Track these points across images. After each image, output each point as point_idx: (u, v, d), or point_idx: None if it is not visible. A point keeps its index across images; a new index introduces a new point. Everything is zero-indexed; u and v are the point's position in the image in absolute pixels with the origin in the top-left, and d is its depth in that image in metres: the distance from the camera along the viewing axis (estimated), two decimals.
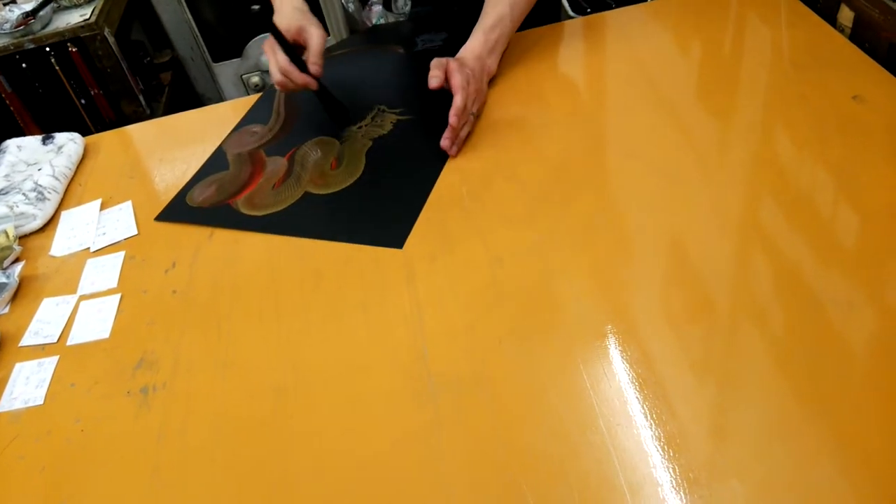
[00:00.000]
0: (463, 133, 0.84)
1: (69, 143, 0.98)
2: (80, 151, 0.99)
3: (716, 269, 0.64)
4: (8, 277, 0.79)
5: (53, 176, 0.92)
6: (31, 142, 0.98)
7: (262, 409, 0.61)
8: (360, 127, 0.91)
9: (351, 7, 1.13)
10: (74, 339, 0.72)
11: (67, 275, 0.80)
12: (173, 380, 0.65)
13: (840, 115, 0.77)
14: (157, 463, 0.59)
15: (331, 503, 0.54)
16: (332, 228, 0.78)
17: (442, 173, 0.81)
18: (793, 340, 0.57)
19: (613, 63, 0.94)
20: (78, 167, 0.97)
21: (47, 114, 1.80)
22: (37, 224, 0.87)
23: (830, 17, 0.93)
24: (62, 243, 0.85)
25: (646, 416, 0.54)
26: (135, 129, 1.07)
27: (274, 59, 0.85)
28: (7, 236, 0.84)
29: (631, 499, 0.49)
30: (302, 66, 0.83)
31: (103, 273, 0.79)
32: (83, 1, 1.77)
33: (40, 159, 0.97)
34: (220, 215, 0.83)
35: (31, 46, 1.68)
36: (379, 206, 0.79)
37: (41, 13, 1.69)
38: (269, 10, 0.88)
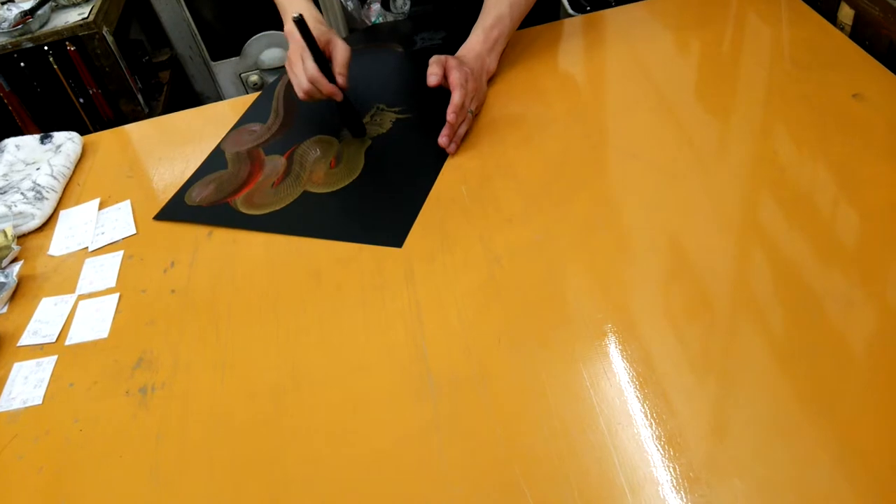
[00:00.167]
0: (461, 131, 0.84)
1: (67, 142, 0.98)
2: (79, 151, 0.98)
3: (716, 267, 0.64)
4: (6, 277, 0.79)
5: (52, 175, 0.92)
6: (30, 141, 0.98)
7: (261, 408, 0.61)
8: (359, 114, 0.91)
9: (350, 5, 1.13)
10: (73, 338, 0.72)
11: (66, 274, 0.80)
12: (172, 379, 0.65)
13: (840, 114, 0.77)
14: (155, 463, 0.59)
15: (330, 503, 0.54)
16: (331, 227, 0.77)
17: (441, 172, 0.81)
18: (793, 339, 0.57)
19: (613, 61, 0.94)
20: (76, 166, 0.97)
21: (45, 113, 1.80)
22: (35, 223, 0.87)
23: (831, 15, 0.92)
24: (61, 243, 0.85)
25: (646, 416, 0.54)
26: (133, 129, 1.07)
27: (301, 66, 0.83)
28: (5, 236, 0.83)
29: (632, 498, 0.49)
30: (329, 77, 0.83)
31: (102, 272, 0.79)
32: (81, 0, 1.76)
33: (39, 158, 0.96)
34: (219, 214, 0.83)
35: (30, 45, 1.68)
36: (378, 205, 0.79)
37: (39, 12, 1.68)
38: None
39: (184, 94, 2.24)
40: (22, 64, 1.71)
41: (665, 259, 0.66)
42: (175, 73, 2.19)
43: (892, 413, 0.51)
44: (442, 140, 0.82)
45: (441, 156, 0.83)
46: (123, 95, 1.83)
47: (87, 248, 0.83)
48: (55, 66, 1.72)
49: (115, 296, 0.75)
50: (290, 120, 0.96)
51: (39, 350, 0.72)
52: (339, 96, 0.83)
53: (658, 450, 0.51)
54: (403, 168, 0.84)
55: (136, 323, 0.72)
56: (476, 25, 0.91)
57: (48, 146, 0.98)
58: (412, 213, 0.76)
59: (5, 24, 1.66)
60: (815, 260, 0.63)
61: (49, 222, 0.89)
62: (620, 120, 0.84)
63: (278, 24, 0.94)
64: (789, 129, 0.77)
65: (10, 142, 0.98)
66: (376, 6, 1.09)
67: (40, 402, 0.66)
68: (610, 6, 1.08)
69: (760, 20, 0.95)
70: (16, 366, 0.70)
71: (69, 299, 0.76)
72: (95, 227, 0.86)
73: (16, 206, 0.87)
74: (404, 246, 0.73)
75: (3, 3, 1.73)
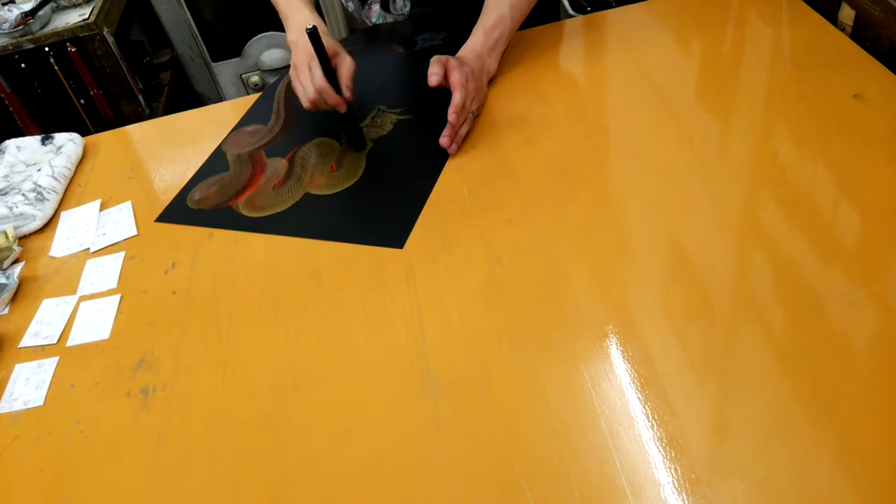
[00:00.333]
0: (462, 131, 0.84)
1: (68, 143, 0.98)
2: (80, 152, 0.99)
3: (717, 268, 0.64)
4: (7, 278, 0.79)
5: (53, 176, 0.92)
6: (31, 142, 0.98)
7: (262, 409, 0.61)
8: (361, 127, 0.91)
9: (350, 6, 1.13)
10: (74, 339, 0.72)
11: (67, 275, 0.80)
12: (173, 380, 0.65)
13: (841, 114, 0.77)
14: (157, 464, 0.59)
15: (330, 503, 0.54)
16: (332, 229, 0.77)
17: (442, 173, 0.81)
18: (794, 339, 0.57)
19: (614, 62, 0.94)
20: (77, 167, 0.97)
21: (46, 114, 1.80)
22: (36, 225, 0.87)
23: (831, 16, 0.92)
24: (62, 244, 0.85)
25: (647, 417, 0.54)
26: (134, 130, 1.07)
27: (309, 76, 0.83)
28: (7, 237, 0.83)
29: (633, 499, 0.49)
30: (335, 88, 0.83)
31: (103, 274, 0.79)
32: (82, 1, 1.76)
33: (40, 160, 0.96)
34: (221, 217, 0.83)
35: (30, 46, 1.68)
36: (379, 207, 0.79)
37: (40, 13, 1.68)
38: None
39: (184, 94, 2.24)
40: (23, 65, 1.71)
41: (666, 259, 0.66)
42: (176, 73, 2.19)
43: (893, 413, 0.51)
44: (443, 141, 0.82)
45: (442, 157, 0.83)
46: (124, 96, 1.83)
47: (88, 249, 0.83)
48: (56, 67, 1.72)
49: (117, 297, 0.75)
50: (292, 122, 0.96)
51: (41, 351, 0.72)
52: (343, 108, 0.83)
53: (659, 451, 0.51)
54: (404, 169, 0.84)
55: (138, 324, 0.72)
56: (477, 26, 0.91)
57: (49, 147, 0.98)
58: (413, 215, 0.76)
59: (6, 25, 1.66)
60: (815, 260, 0.63)
61: (50, 223, 0.89)
62: (621, 120, 0.84)
63: (279, 25, 0.94)
64: (790, 130, 0.77)
65: (11, 143, 0.98)
66: (376, 7, 1.09)
67: (42, 403, 0.66)
68: (610, 7, 1.08)
69: (761, 20, 0.95)
70: (17, 367, 0.70)
71: (70, 300, 0.76)
72: (96, 229, 0.86)
73: (17, 207, 0.87)
74: (405, 247, 0.73)
75: (3, 4, 1.73)
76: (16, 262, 0.83)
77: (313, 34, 0.78)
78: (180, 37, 2.22)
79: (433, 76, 0.83)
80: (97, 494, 0.58)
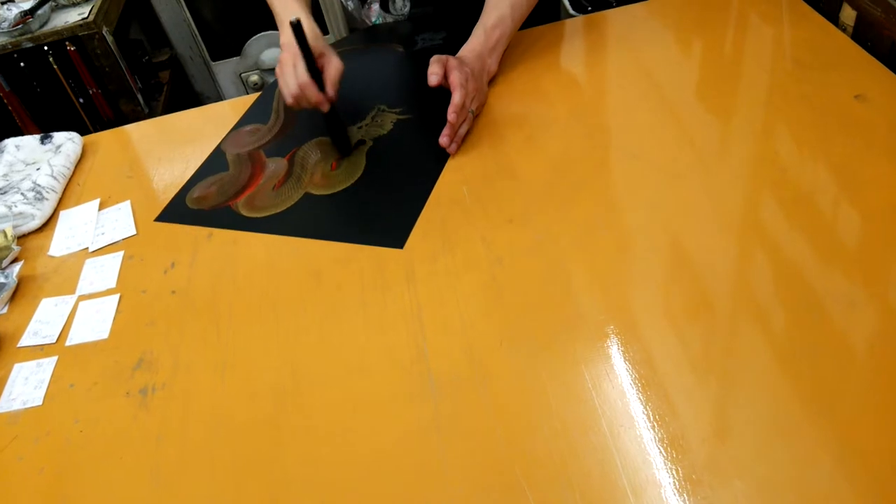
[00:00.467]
0: (462, 131, 0.84)
1: (67, 142, 0.98)
2: (79, 151, 0.98)
3: (717, 268, 0.64)
4: (6, 277, 0.79)
5: (52, 175, 0.92)
6: (30, 141, 0.98)
7: (261, 409, 0.61)
8: (360, 127, 0.91)
9: (350, 5, 1.12)
10: (73, 339, 0.72)
11: (66, 275, 0.80)
12: (172, 380, 0.65)
13: (842, 115, 0.77)
14: (156, 463, 0.59)
15: (330, 503, 0.54)
16: (332, 229, 0.77)
17: (442, 173, 0.81)
18: (795, 340, 0.57)
19: (615, 62, 0.94)
20: (76, 167, 0.97)
21: (45, 113, 1.80)
22: (35, 224, 0.87)
23: (832, 16, 0.92)
24: (61, 243, 0.85)
25: (648, 417, 0.54)
26: (133, 129, 1.06)
27: (293, 72, 0.82)
28: (5, 236, 0.83)
29: (634, 500, 0.49)
30: (319, 86, 0.82)
31: (102, 273, 0.79)
32: (81, 0, 1.76)
33: (39, 159, 0.96)
34: (220, 217, 0.83)
35: (30, 45, 1.68)
36: (379, 207, 0.79)
37: (39, 12, 1.68)
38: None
39: (184, 94, 2.24)
40: (22, 64, 1.70)
41: (666, 259, 0.66)
42: (175, 73, 2.18)
43: (893, 413, 0.51)
44: (443, 140, 0.82)
45: (442, 156, 0.83)
46: (123, 95, 1.82)
47: (87, 248, 0.83)
48: (55, 66, 1.72)
49: (116, 296, 0.75)
50: (292, 121, 0.96)
51: (40, 351, 0.71)
52: (325, 107, 0.83)
53: (660, 452, 0.51)
54: (404, 169, 0.83)
55: (137, 324, 0.72)
56: (477, 26, 0.91)
57: (48, 146, 0.97)
58: (413, 214, 0.76)
59: (5, 24, 1.66)
60: (816, 261, 0.63)
61: (49, 223, 0.89)
62: (622, 120, 0.84)
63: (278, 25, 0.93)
64: (791, 130, 0.77)
65: (10, 142, 0.98)
66: (376, 7, 1.09)
67: (40, 402, 0.66)
68: (611, 6, 1.08)
69: (762, 21, 0.95)
70: (16, 366, 0.70)
71: (69, 300, 0.76)
72: (95, 228, 0.85)
73: (16, 206, 0.86)
74: (405, 247, 0.73)
75: (2, 3, 1.72)
76: (15, 261, 0.83)
77: (297, 27, 0.78)
78: (179, 36, 2.22)
79: (433, 76, 0.83)
80: (96, 494, 0.58)
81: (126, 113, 1.85)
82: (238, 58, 2.13)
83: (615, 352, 0.59)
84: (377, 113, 0.93)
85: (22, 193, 0.88)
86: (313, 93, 0.81)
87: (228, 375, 0.64)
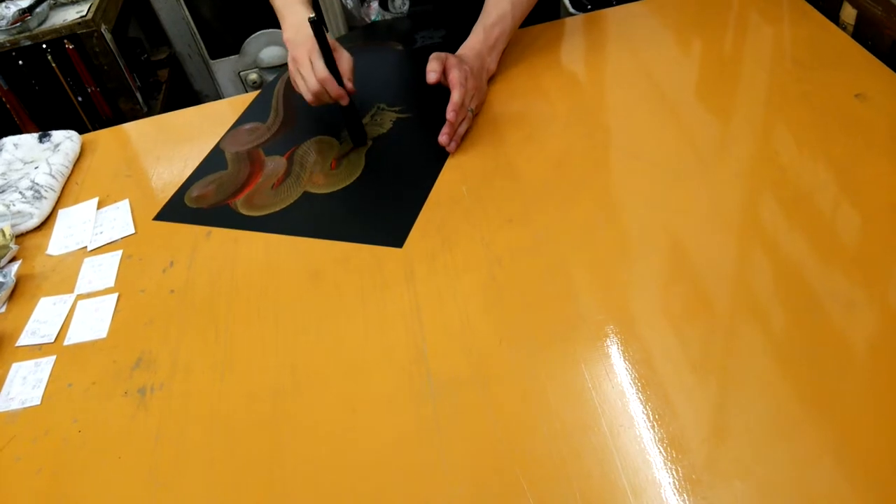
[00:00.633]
0: (461, 129, 0.84)
1: (66, 141, 0.98)
2: (77, 149, 0.98)
3: (718, 268, 0.64)
4: (4, 277, 0.78)
5: (50, 174, 0.91)
6: (28, 140, 0.98)
7: (260, 409, 0.61)
8: (362, 122, 0.90)
9: (349, 3, 1.12)
10: (71, 338, 0.71)
11: (64, 274, 0.80)
12: (171, 380, 0.65)
13: (842, 114, 0.77)
14: (154, 463, 0.58)
15: (329, 503, 0.53)
16: (331, 228, 0.77)
17: (442, 171, 0.81)
18: (794, 340, 0.57)
19: (614, 61, 0.94)
20: (75, 165, 0.97)
21: (44, 111, 1.79)
22: (34, 223, 0.87)
23: (833, 15, 0.92)
24: (59, 242, 0.85)
25: (648, 417, 0.53)
26: (132, 127, 1.06)
27: (310, 68, 0.82)
28: (4, 235, 0.83)
29: (634, 500, 0.49)
30: (338, 80, 0.82)
31: (100, 272, 0.79)
32: None
33: (37, 157, 0.96)
34: (219, 216, 0.82)
35: (28, 43, 1.67)
36: (378, 206, 0.79)
37: (38, 10, 1.68)
38: (320, 19, 0.83)
39: (182, 92, 2.24)
40: (20, 62, 1.70)
41: (666, 259, 0.66)
42: (174, 71, 2.18)
43: (893, 413, 0.51)
44: (442, 139, 0.82)
45: (441, 155, 0.83)
46: (122, 94, 1.82)
47: (85, 247, 0.83)
48: (53, 65, 1.71)
49: (114, 296, 0.75)
50: (291, 120, 0.95)
51: (38, 350, 0.71)
52: (346, 100, 0.83)
53: (660, 452, 0.51)
54: (404, 168, 0.83)
55: (135, 323, 0.72)
56: (477, 24, 0.91)
57: (46, 145, 0.97)
58: (412, 214, 0.76)
59: (3, 22, 1.65)
60: (816, 260, 0.62)
61: (47, 221, 0.88)
62: (621, 119, 0.84)
63: (277, 23, 0.93)
64: (791, 129, 0.77)
65: (9, 140, 0.98)
66: (375, 4, 1.09)
67: (39, 402, 0.66)
68: (611, 5, 1.08)
69: (762, 19, 0.95)
70: (14, 366, 0.70)
71: (68, 299, 0.76)
72: (94, 227, 0.85)
73: (14, 205, 0.86)
74: (404, 246, 0.72)
75: (1, 1, 1.72)
76: (13, 260, 0.82)
77: (315, 23, 0.78)
78: (178, 34, 2.22)
79: (432, 73, 0.82)
80: (94, 494, 0.58)
81: (125, 111, 1.84)
82: (237, 56, 2.12)
83: (615, 351, 0.59)
84: (376, 111, 0.92)
85: (20, 192, 0.88)
86: (334, 87, 0.81)
87: (227, 375, 0.64)
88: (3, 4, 1.70)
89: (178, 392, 0.64)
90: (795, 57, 0.87)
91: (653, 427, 0.53)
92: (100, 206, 0.88)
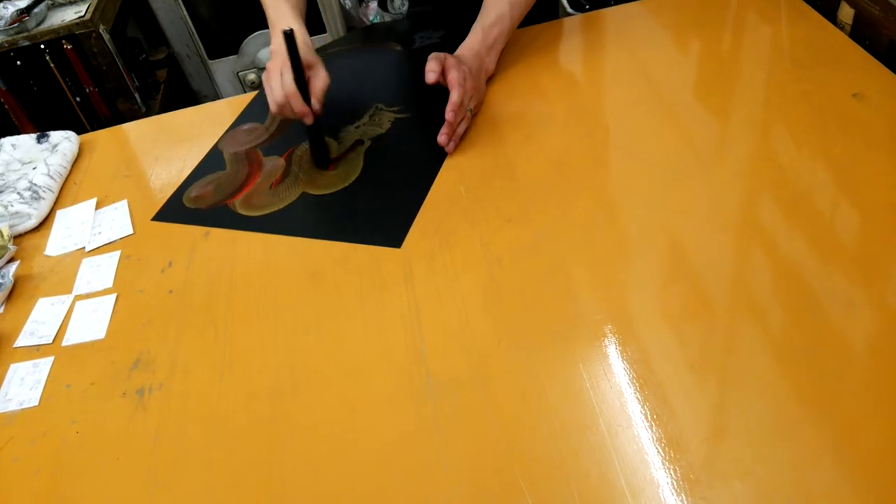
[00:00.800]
0: (460, 130, 0.84)
1: (64, 141, 0.97)
2: (75, 150, 0.98)
3: (716, 268, 0.64)
4: (3, 277, 0.78)
5: (48, 175, 0.91)
6: (26, 140, 0.98)
7: (259, 409, 0.61)
8: (358, 126, 0.90)
9: (348, 4, 1.12)
10: (70, 339, 0.71)
11: (63, 274, 0.80)
12: (170, 381, 0.65)
13: (840, 113, 0.77)
14: (153, 464, 0.58)
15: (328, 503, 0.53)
16: (330, 228, 0.77)
17: (441, 172, 0.81)
18: (793, 340, 0.57)
19: (613, 60, 0.94)
20: (73, 166, 0.97)
21: (42, 112, 1.79)
22: (32, 223, 0.87)
23: (831, 15, 0.92)
24: (57, 243, 0.84)
25: (646, 417, 0.53)
26: (130, 128, 1.06)
27: (280, 81, 0.81)
28: (2, 236, 0.83)
29: (632, 500, 0.49)
30: (305, 98, 0.82)
31: (99, 273, 0.79)
32: None
33: (35, 158, 0.96)
34: (218, 216, 0.82)
35: (26, 44, 1.67)
36: (377, 206, 0.79)
37: (36, 10, 1.67)
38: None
39: (181, 92, 2.24)
40: (18, 62, 1.70)
41: (665, 259, 0.66)
42: (172, 71, 2.18)
43: (892, 413, 0.51)
44: (441, 139, 0.82)
45: (440, 155, 0.83)
46: (120, 94, 1.82)
47: (83, 248, 0.83)
48: (52, 65, 1.71)
49: (113, 296, 0.75)
50: (289, 120, 0.95)
51: (36, 351, 0.71)
52: (309, 119, 0.82)
53: (658, 452, 0.51)
54: (402, 168, 0.83)
55: (134, 323, 0.72)
56: (475, 24, 0.91)
57: (45, 145, 0.97)
58: (411, 214, 0.76)
59: (1, 23, 1.65)
60: (815, 260, 0.62)
61: (46, 222, 0.88)
62: (620, 119, 0.84)
63: None
64: (789, 129, 0.77)
65: (7, 141, 0.97)
66: (374, 5, 1.09)
67: (37, 403, 0.66)
68: (609, 5, 1.08)
69: (760, 19, 0.95)
70: (12, 367, 0.70)
71: (66, 300, 0.76)
72: (92, 227, 0.85)
73: (12, 205, 0.86)
74: (403, 246, 0.72)
75: None
76: (11, 260, 0.82)
77: (289, 37, 0.78)
78: (177, 34, 2.21)
79: (430, 73, 0.82)
80: (93, 495, 0.57)
81: (123, 111, 1.84)
82: (235, 56, 2.12)
83: (613, 351, 0.59)
84: (375, 112, 0.92)
85: (18, 193, 0.88)
86: (298, 104, 0.80)
87: (226, 375, 0.64)
88: (1, 5, 1.70)
89: (176, 392, 0.64)
90: (793, 57, 0.87)
91: (651, 427, 0.53)
92: (98, 206, 0.88)
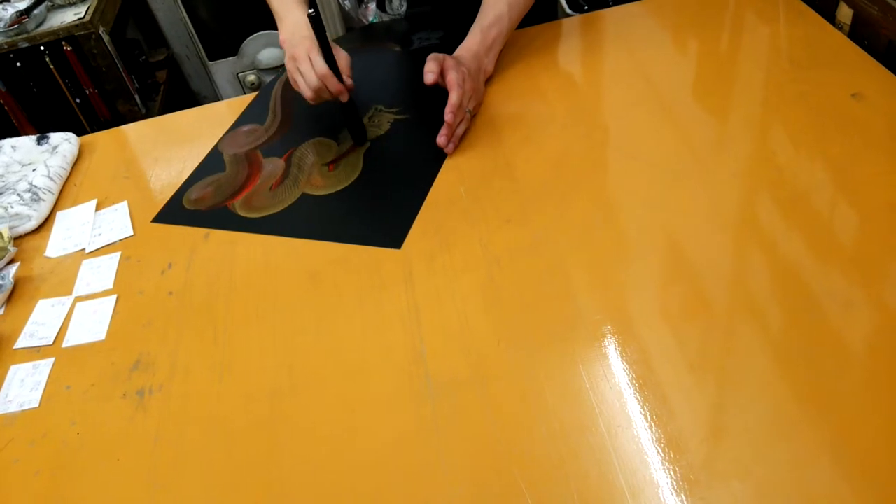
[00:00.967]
0: (459, 130, 0.84)
1: (64, 142, 0.98)
2: (75, 151, 0.98)
3: (715, 268, 0.64)
4: (3, 279, 0.78)
5: (48, 176, 0.91)
6: (26, 142, 0.98)
7: (259, 410, 0.61)
8: (362, 120, 0.90)
9: (347, 4, 1.12)
10: (70, 340, 0.71)
11: (63, 276, 0.80)
12: (170, 382, 0.65)
13: (839, 113, 0.77)
14: (153, 465, 0.58)
15: None
16: (329, 229, 0.77)
17: (440, 172, 0.81)
18: (792, 340, 0.57)
19: (612, 61, 0.94)
20: (73, 167, 0.97)
21: (42, 113, 1.79)
22: (32, 225, 0.87)
23: (829, 15, 0.92)
24: (57, 244, 0.85)
25: (646, 418, 0.54)
26: (130, 129, 1.06)
27: (310, 65, 0.81)
28: (2, 237, 0.83)
29: (631, 500, 0.49)
30: (337, 77, 0.82)
31: (99, 274, 0.79)
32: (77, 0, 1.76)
33: (35, 159, 0.96)
34: (218, 218, 0.82)
35: (26, 45, 1.67)
36: (377, 207, 0.79)
37: (35, 12, 1.68)
38: (317, 16, 0.82)
39: (181, 93, 2.24)
40: (18, 64, 1.70)
41: (664, 260, 0.66)
42: (172, 72, 2.18)
43: (892, 413, 0.51)
44: (440, 140, 0.82)
45: (439, 156, 0.83)
46: (120, 95, 1.82)
47: (84, 249, 0.83)
48: (51, 66, 1.71)
49: (113, 297, 0.75)
50: (288, 121, 0.95)
51: (36, 352, 0.71)
52: (346, 96, 0.83)
53: (658, 452, 0.51)
54: (402, 169, 0.83)
55: (134, 325, 0.72)
56: (474, 25, 0.91)
57: (44, 147, 0.97)
58: (411, 215, 0.76)
59: (1, 24, 1.65)
60: (813, 260, 0.63)
61: (46, 224, 0.88)
62: (619, 119, 0.84)
63: (275, 24, 0.93)
64: (788, 129, 0.77)
65: (6, 142, 0.98)
66: (373, 6, 1.09)
67: (37, 405, 0.66)
68: (608, 6, 1.08)
69: (759, 19, 0.95)
70: (12, 368, 0.70)
71: (66, 301, 0.76)
72: (92, 229, 0.85)
73: (12, 207, 0.86)
74: (403, 247, 0.72)
75: None
76: (11, 262, 0.82)
77: (315, 19, 0.77)
78: (176, 35, 2.22)
79: (429, 74, 0.82)
80: (93, 496, 0.58)
81: (123, 113, 1.84)
82: (235, 57, 2.12)
83: (613, 352, 0.59)
84: (374, 113, 0.92)
85: (18, 194, 0.88)
86: (334, 83, 0.81)
87: (226, 376, 0.64)
88: (1, 6, 1.70)
89: (176, 393, 0.64)
90: (792, 57, 0.87)
91: (650, 427, 0.53)
92: (98, 207, 0.88)
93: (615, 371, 0.57)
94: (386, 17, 1.09)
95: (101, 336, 0.71)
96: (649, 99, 0.85)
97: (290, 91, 0.92)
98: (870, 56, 0.84)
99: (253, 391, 0.62)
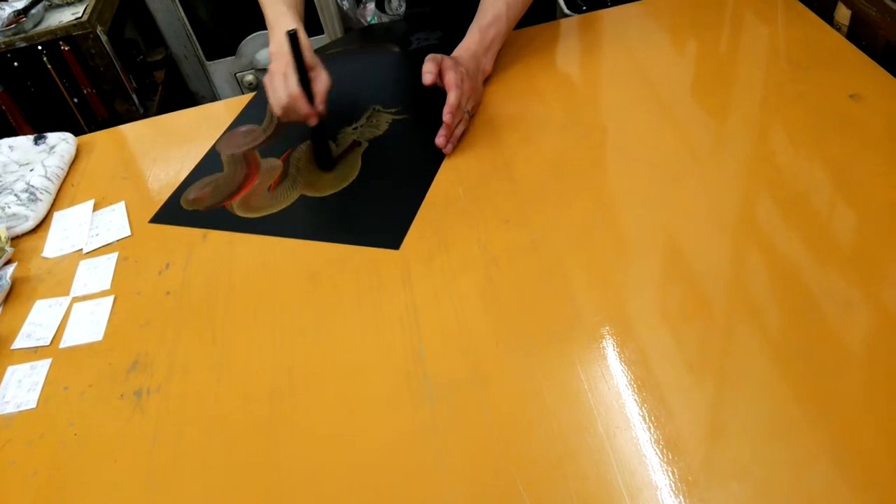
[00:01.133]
0: (457, 131, 0.84)
1: (61, 142, 0.97)
2: (73, 151, 0.98)
3: (714, 269, 0.64)
4: (0, 279, 0.78)
5: (46, 176, 0.91)
6: (23, 142, 0.97)
7: (257, 411, 0.61)
8: (356, 128, 0.90)
9: (346, 5, 1.12)
10: (67, 341, 0.71)
11: (60, 276, 0.80)
12: (167, 382, 0.65)
13: (837, 114, 0.77)
14: (151, 467, 0.58)
15: None
16: (328, 230, 0.77)
17: (438, 173, 0.81)
18: (791, 340, 0.57)
19: (610, 61, 0.94)
20: (70, 167, 0.96)
21: (39, 113, 1.79)
22: (29, 225, 0.87)
23: (827, 16, 0.92)
24: (55, 244, 0.84)
25: (644, 419, 0.53)
26: (128, 129, 1.06)
27: (284, 83, 0.80)
28: None
29: (630, 502, 0.49)
30: (308, 99, 0.81)
31: (96, 274, 0.78)
32: None
33: (32, 159, 0.96)
34: (215, 218, 0.82)
35: (23, 45, 1.67)
36: (375, 208, 0.79)
37: (33, 11, 1.67)
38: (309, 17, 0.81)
39: (179, 93, 2.23)
40: (15, 64, 1.70)
41: (662, 260, 0.66)
42: (170, 72, 2.18)
43: (890, 413, 0.51)
44: (439, 141, 0.82)
45: (438, 156, 0.83)
46: (118, 95, 1.82)
47: (81, 249, 0.83)
48: (49, 66, 1.71)
49: (110, 298, 0.75)
50: (288, 122, 0.95)
51: (33, 353, 0.71)
52: (314, 120, 0.82)
53: (656, 453, 0.51)
54: (400, 170, 0.83)
55: (131, 325, 0.71)
56: (472, 25, 0.91)
57: (42, 147, 0.97)
58: (409, 215, 0.76)
59: None
60: (812, 260, 0.63)
61: (43, 224, 0.88)
62: (618, 120, 0.84)
63: None
64: (786, 130, 0.77)
65: (4, 142, 0.97)
66: (372, 6, 1.09)
67: (34, 405, 0.66)
68: (606, 6, 1.08)
69: (757, 20, 0.95)
70: (9, 369, 0.70)
71: (63, 301, 0.76)
72: (90, 229, 0.85)
73: (9, 207, 0.86)
74: (401, 248, 0.72)
75: None
76: (8, 262, 0.82)
77: (293, 37, 0.77)
78: (174, 35, 2.21)
79: (427, 74, 0.82)
80: (91, 497, 0.57)
81: (121, 113, 1.84)
82: (233, 57, 2.12)
83: (611, 352, 0.59)
84: (372, 113, 0.92)
85: (15, 194, 0.88)
86: (303, 105, 0.80)
87: (224, 377, 0.64)
88: None
89: (174, 394, 0.64)
90: (790, 57, 0.87)
91: (649, 428, 0.53)
92: (95, 208, 0.88)
93: (614, 371, 0.57)
94: (384, 18, 1.09)
95: (99, 336, 0.71)
96: (648, 99, 0.85)
97: None
98: (868, 57, 0.84)
99: (251, 391, 0.62)
